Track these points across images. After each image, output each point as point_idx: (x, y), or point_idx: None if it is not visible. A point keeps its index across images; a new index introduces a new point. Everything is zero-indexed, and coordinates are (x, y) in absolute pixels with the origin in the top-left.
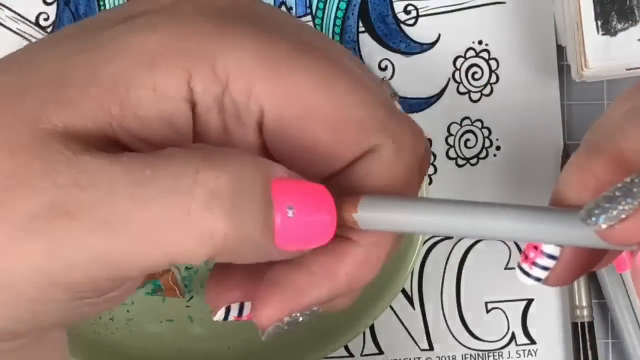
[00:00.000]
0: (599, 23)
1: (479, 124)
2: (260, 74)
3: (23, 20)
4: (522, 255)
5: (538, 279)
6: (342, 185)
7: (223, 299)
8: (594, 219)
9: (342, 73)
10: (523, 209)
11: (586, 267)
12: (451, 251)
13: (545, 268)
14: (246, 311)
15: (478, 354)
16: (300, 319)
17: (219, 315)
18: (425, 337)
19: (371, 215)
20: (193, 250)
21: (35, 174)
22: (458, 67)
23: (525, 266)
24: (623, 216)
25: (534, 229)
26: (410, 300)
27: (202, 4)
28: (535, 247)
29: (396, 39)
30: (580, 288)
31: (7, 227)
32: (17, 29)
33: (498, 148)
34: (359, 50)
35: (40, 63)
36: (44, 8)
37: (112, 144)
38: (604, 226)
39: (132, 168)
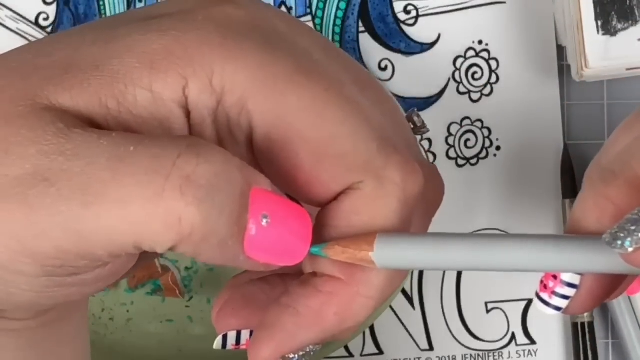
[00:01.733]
0: (599, 23)
1: (479, 124)
2: (254, 91)
3: (23, 20)
4: (540, 285)
5: (558, 309)
6: (330, 221)
7: (221, 325)
8: (619, 242)
9: (338, 101)
10: (545, 239)
11: (606, 294)
12: None
13: (565, 297)
14: (243, 340)
15: (478, 354)
16: (295, 358)
17: (217, 343)
18: (425, 337)
19: (389, 254)
20: (159, 233)
21: (24, 142)
22: (458, 67)
23: (544, 296)
24: None
25: (559, 258)
26: (410, 300)
27: (215, 14)
28: (555, 277)
29: (396, 39)
30: None
31: None
32: (17, 29)
33: (498, 148)
34: (359, 50)
35: (56, 49)
36: (44, 8)
37: None
38: (630, 249)
39: (118, 142)
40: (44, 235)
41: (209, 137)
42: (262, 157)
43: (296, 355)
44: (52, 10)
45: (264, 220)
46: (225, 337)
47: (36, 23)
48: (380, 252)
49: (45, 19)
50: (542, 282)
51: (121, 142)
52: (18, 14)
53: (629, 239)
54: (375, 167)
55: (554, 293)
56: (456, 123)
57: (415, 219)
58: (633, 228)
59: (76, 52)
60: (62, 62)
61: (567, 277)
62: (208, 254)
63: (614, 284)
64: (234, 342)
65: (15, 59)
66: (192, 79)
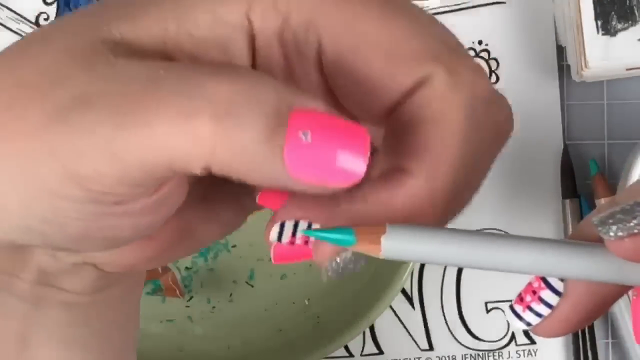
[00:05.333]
0: (599, 23)
1: None
2: (321, 7)
3: (23, 20)
4: (517, 298)
5: (529, 324)
6: (398, 120)
7: (282, 213)
8: (606, 227)
9: (403, 11)
10: (548, 242)
11: (579, 323)
12: None
13: (538, 315)
14: (299, 234)
15: (478, 354)
16: (362, 261)
17: (273, 233)
18: (425, 337)
19: (396, 244)
20: (184, 151)
21: (77, 72)
22: None
23: (518, 308)
24: (636, 230)
25: (559, 262)
26: (410, 300)
27: None
28: (534, 292)
29: None
30: None
31: (40, 113)
32: (17, 29)
33: None
34: None
35: None
36: (44, 8)
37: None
38: (612, 235)
39: (150, 67)
40: (83, 157)
41: (276, 60)
42: (332, 71)
43: (349, 261)
44: (52, 10)
45: (304, 136)
46: (282, 228)
47: (36, 23)
48: (388, 242)
49: (46, 19)
50: (519, 294)
51: (154, 66)
52: (18, 14)
53: (615, 227)
54: (447, 62)
55: (528, 308)
56: None
57: (483, 145)
58: (621, 217)
59: None
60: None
61: (545, 295)
62: (247, 174)
63: (590, 315)
64: (290, 234)
65: (95, 4)
66: (255, 2)
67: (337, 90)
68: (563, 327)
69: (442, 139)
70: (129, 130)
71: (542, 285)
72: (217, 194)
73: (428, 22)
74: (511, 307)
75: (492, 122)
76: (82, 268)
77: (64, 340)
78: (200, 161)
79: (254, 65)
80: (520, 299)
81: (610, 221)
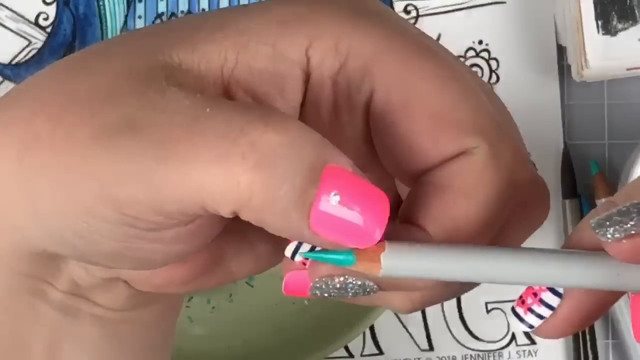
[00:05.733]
0: (599, 23)
1: None
2: (380, 56)
3: (23, 20)
4: (518, 300)
5: (531, 326)
6: (429, 181)
7: None
8: (603, 230)
9: (456, 77)
10: (551, 253)
11: (580, 324)
12: None
13: (540, 316)
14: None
15: (478, 354)
16: (350, 292)
17: (288, 249)
18: (425, 337)
19: (395, 262)
20: (220, 194)
21: (129, 93)
22: None
23: (520, 311)
24: (633, 232)
25: (559, 273)
26: None
27: None
28: (535, 294)
29: None
30: None
31: (87, 131)
32: (17, 28)
33: None
34: None
35: (203, 16)
36: (44, 8)
37: (221, 94)
38: (609, 237)
39: (198, 103)
40: (121, 182)
41: (325, 102)
42: (377, 122)
43: (352, 287)
44: (51, 10)
45: (334, 198)
46: (298, 247)
47: (36, 23)
48: (389, 260)
49: (45, 19)
50: (520, 297)
51: (201, 102)
52: (18, 14)
53: (612, 228)
54: (491, 139)
55: (530, 310)
56: None
57: (513, 225)
58: (619, 219)
59: (213, 16)
60: (195, 23)
61: (546, 297)
62: (272, 224)
63: (591, 315)
64: (305, 252)
65: (158, 24)
66: (317, 41)
67: (377, 142)
68: (565, 328)
69: (469, 213)
70: (168, 166)
71: (543, 287)
72: (253, 227)
73: (480, 90)
74: (513, 310)
75: (526, 205)
76: (113, 284)
77: (93, 353)
78: (232, 206)
79: (303, 103)
80: (522, 301)
81: (608, 223)
